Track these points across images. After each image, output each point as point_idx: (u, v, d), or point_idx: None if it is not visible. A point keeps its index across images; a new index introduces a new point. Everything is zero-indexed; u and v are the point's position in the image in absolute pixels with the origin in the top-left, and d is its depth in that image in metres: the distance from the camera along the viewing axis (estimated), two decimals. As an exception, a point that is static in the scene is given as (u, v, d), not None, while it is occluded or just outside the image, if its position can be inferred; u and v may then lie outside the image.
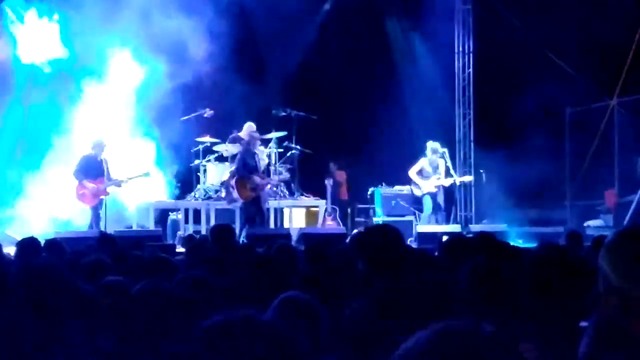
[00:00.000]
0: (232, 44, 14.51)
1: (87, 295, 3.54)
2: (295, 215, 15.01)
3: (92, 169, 12.85)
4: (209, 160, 14.71)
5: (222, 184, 14.31)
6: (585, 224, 14.97)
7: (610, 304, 1.94)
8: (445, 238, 6.25)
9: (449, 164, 14.26)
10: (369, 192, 15.90)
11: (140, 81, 14.68)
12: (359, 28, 16.84)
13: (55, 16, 14.64)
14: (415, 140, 15.23)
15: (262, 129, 14.34)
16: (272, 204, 14.02)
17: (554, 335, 2.73)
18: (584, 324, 2.78)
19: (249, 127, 14.30)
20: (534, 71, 15.69)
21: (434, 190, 14.09)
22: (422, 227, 13.41)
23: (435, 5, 16.97)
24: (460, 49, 17.70)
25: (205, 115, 14.59)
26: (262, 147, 14.16)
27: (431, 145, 14.14)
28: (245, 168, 12.75)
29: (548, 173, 15.18)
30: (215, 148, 14.68)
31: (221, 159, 14.80)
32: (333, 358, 2.97)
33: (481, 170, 16.02)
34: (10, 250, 7.71)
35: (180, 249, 10.79)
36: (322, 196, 15.39)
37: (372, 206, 15.84)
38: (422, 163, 14.15)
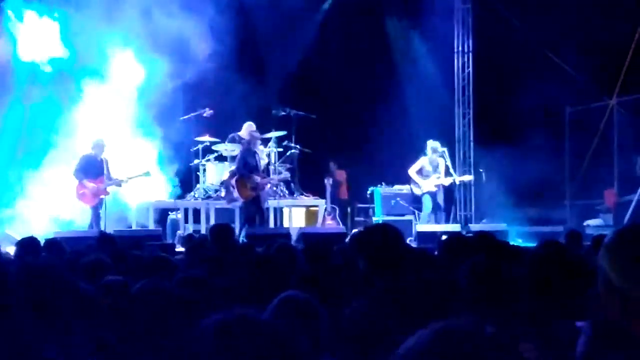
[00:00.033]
0: (231, 44, 14.50)
1: (86, 294, 3.54)
2: (295, 214, 15.00)
3: (92, 169, 12.85)
4: (208, 160, 14.70)
5: (222, 183, 14.30)
6: (584, 224, 14.97)
7: (610, 304, 1.94)
8: (444, 237, 6.25)
9: (449, 163, 14.25)
10: (368, 192, 15.90)
11: (140, 80, 14.69)
12: (358, 27, 16.84)
13: (56, 15, 14.63)
14: (415, 140, 15.23)
15: (262, 128, 14.33)
16: (271, 203, 14.01)
17: (553, 335, 2.73)
18: (579, 324, 2.78)
19: (249, 126, 14.30)
20: (534, 71, 15.69)
21: (434, 189, 14.08)
22: (422, 227, 13.41)
23: (434, 4, 16.97)
24: (460, 48, 17.71)
25: (204, 114, 14.58)
26: (261, 147, 14.15)
27: (431, 144, 14.13)
28: (246, 167, 12.75)
29: (548, 172, 15.19)
30: (214, 147, 14.67)
31: (221, 158, 14.79)
32: (333, 358, 2.97)
33: (481, 170, 16.02)
34: (10, 250, 7.71)
35: (179, 249, 10.79)
36: (322, 196, 15.39)
37: (372, 205, 15.84)
38: (422, 162, 14.14)
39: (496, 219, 14.96)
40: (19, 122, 14.34)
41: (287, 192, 14.86)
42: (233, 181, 12.96)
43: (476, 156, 17.24)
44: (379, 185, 15.46)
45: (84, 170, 12.86)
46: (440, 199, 14.23)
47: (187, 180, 15.04)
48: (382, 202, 15.19)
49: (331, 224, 14.61)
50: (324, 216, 14.91)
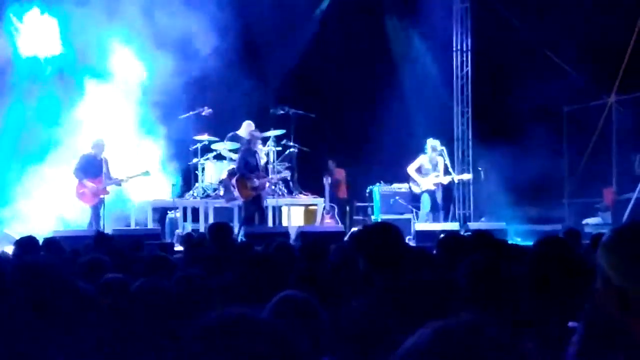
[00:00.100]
0: (230, 42, 14.50)
1: (85, 294, 3.54)
2: (294, 213, 15.00)
3: (92, 168, 12.86)
4: (207, 159, 14.70)
5: (221, 182, 14.31)
6: (583, 222, 14.98)
7: (609, 303, 1.94)
8: (442, 236, 6.25)
9: (447, 161, 14.26)
10: (367, 191, 15.91)
11: (140, 79, 14.69)
12: (357, 26, 16.83)
13: (57, 13, 14.63)
14: (414, 139, 15.23)
15: (260, 127, 14.32)
16: (270, 202, 14.01)
17: (553, 334, 2.73)
18: (572, 324, 2.78)
19: (248, 125, 14.30)
20: (532, 69, 15.69)
21: (433, 188, 14.08)
22: (420, 225, 13.41)
23: (433, 3, 16.98)
24: (459, 47, 17.72)
25: (203, 113, 14.58)
26: (260, 146, 14.15)
27: (431, 142, 14.13)
28: (246, 167, 12.77)
29: (546, 171, 15.19)
30: (213, 146, 14.68)
31: (219, 157, 14.79)
32: (332, 358, 2.97)
33: (479, 168, 16.04)
34: (9, 249, 7.71)
35: (178, 248, 10.80)
36: (321, 194, 15.40)
37: (371, 204, 15.84)
38: (421, 160, 14.13)
39: (495, 218, 14.98)
40: (20, 120, 14.32)
41: (285, 191, 14.86)
42: (233, 181, 12.97)
43: (475, 155, 17.25)
44: (377, 184, 15.47)
45: (83, 169, 12.87)
46: (439, 197, 14.23)
47: (186, 179, 15.05)
48: (381, 200, 15.18)
49: (330, 223, 14.61)
50: (322, 215, 14.91)
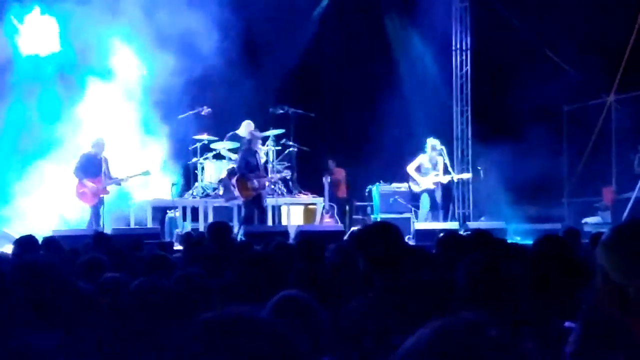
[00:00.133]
0: (229, 42, 14.50)
1: (85, 293, 3.54)
2: (293, 212, 15.00)
3: (92, 168, 12.86)
4: (206, 158, 14.70)
5: (220, 181, 14.31)
6: (583, 221, 14.98)
7: (609, 301, 1.94)
8: (440, 235, 6.25)
9: (447, 161, 14.26)
10: (366, 190, 15.91)
11: (140, 78, 14.70)
12: (357, 25, 16.83)
13: (58, 13, 14.64)
14: (413, 138, 15.23)
15: (260, 126, 14.33)
16: (270, 201, 14.01)
17: (553, 334, 2.73)
18: (568, 324, 2.78)
19: (248, 125, 14.30)
20: (532, 68, 15.69)
21: (432, 187, 14.08)
22: (420, 225, 13.42)
23: (432, 2, 16.97)
24: (458, 46, 17.71)
25: (202, 113, 14.58)
26: (260, 145, 14.15)
27: (431, 142, 14.13)
28: (247, 167, 12.79)
29: (546, 170, 15.19)
30: (212, 146, 14.68)
31: (219, 156, 14.79)
32: (332, 358, 2.97)
33: (479, 168, 16.03)
34: (8, 249, 7.71)
35: (178, 247, 10.80)
36: (320, 194, 15.40)
37: (370, 203, 15.85)
38: (421, 159, 14.13)
39: (494, 217, 14.98)
40: (20, 119, 14.33)
41: (285, 190, 14.86)
42: (234, 180, 12.98)
43: (474, 154, 17.25)
44: (377, 184, 15.47)
45: (83, 169, 12.87)
46: (439, 197, 14.23)
47: (186, 178, 15.06)
48: (381, 200, 15.18)
49: (329, 222, 14.61)
50: (322, 214, 14.92)
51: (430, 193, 14.07)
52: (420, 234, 12.54)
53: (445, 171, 14.18)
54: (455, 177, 14.73)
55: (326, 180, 15.84)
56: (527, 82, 14.87)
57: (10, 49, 14.56)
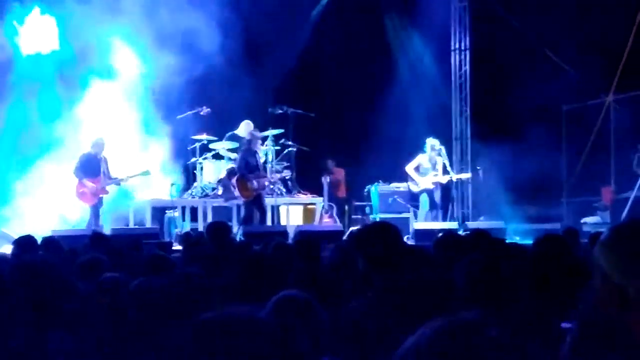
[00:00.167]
0: (228, 41, 14.49)
1: (84, 293, 3.54)
2: (293, 212, 15.01)
3: (92, 168, 12.87)
4: (205, 158, 14.71)
5: (219, 181, 14.31)
6: (582, 221, 14.98)
7: (609, 301, 1.93)
8: (439, 235, 6.26)
9: (446, 161, 14.25)
10: (365, 190, 15.91)
11: (140, 78, 14.70)
12: (356, 25, 16.84)
13: (58, 12, 14.64)
14: (412, 138, 15.23)
15: (259, 126, 14.33)
16: (269, 201, 14.01)
17: (553, 334, 2.73)
18: (564, 324, 2.78)
19: (247, 125, 14.31)
20: (531, 68, 15.69)
21: (431, 187, 14.08)
22: (419, 225, 13.42)
23: (432, 2, 16.98)
24: (457, 46, 17.71)
25: (201, 113, 14.58)
26: (259, 145, 14.16)
27: (431, 142, 14.12)
28: (247, 167, 12.80)
29: (545, 170, 15.19)
30: (211, 146, 14.68)
31: (218, 156, 14.80)
32: (332, 358, 2.97)
33: (478, 167, 16.03)
34: (8, 249, 7.71)
35: (177, 247, 10.81)
36: (320, 194, 15.40)
37: (369, 203, 15.85)
38: (420, 159, 14.13)
39: (494, 217, 14.98)
40: (21, 119, 14.33)
41: (284, 190, 14.86)
42: (234, 181, 12.98)
43: (473, 154, 17.25)
44: (376, 183, 15.47)
45: (83, 169, 12.88)
46: (438, 197, 14.23)
47: (185, 178, 15.07)
48: (380, 200, 15.19)
49: (328, 222, 14.61)
50: (321, 214, 14.91)
51: (429, 193, 14.07)
52: (419, 233, 12.54)
53: (445, 171, 14.18)
54: (455, 177, 14.73)
55: (325, 180, 15.84)
56: (526, 82, 14.88)
57: (10, 48, 14.57)
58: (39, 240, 7.15)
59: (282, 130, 15.00)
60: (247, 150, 13.03)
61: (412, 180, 14.19)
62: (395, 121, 16.16)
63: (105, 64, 14.68)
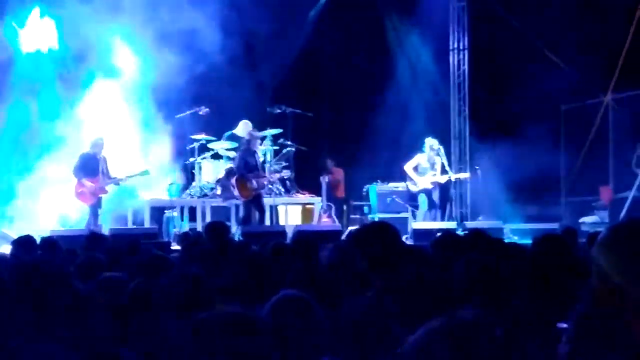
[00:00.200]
0: (226, 41, 14.48)
1: (83, 293, 3.53)
2: (291, 212, 15.01)
3: (91, 168, 12.87)
4: (204, 158, 14.70)
5: (218, 181, 14.30)
6: (580, 220, 14.98)
7: (608, 301, 1.93)
8: (438, 235, 6.27)
9: (445, 161, 14.25)
10: (364, 190, 15.91)
11: (139, 77, 14.70)
12: (355, 24, 16.83)
13: (58, 11, 14.64)
14: (411, 137, 15.23)
15: (257, 126, 14.34)
16: (267, 201, 14.02)
17: (552, 334, 2.73)
18: (560, 325, 2.78)
19: (245, 124, 14.31)
20: (529, 68, 15.69)
21: (430, 186, 14.08)
22: (418, 224, 13.42)
23: (431, 2, 16.98)
24: (455, 45, 17.70)
25: (200, 112, 14.57)
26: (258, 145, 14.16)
27: (429, 142, 14.11)
28: (246, 167, 12.79)
29: (543, 169, 15.19)
30: (210, 145, 14.68)
31: (216, 156, 14.79)
32: (332, 357, 2.97)
33: (477, 167, 16.03)
34: (7, 249, 7.70)
35: (175, 247, 10.79)
36: (318, 193, 15.39)
37: (367, 203, 15.85)
38: (419, 159, 14.12)
39: (492, 216, 14.98)
40: (22, 118, 14.32)
41: (283, 190, 14.86)
42: (233, 180, 12.98)
43: (472, 153, 17.24)
44: (374, 183, 15.47)
45: (82, 168, 12.88)
46: (436, 196, 14.22)
47: (184, 178, 15.08)
48: (378, 199, 15.20)
49: (327, 222, 14.61)
50: (319, 214, 14.91)
51: (428, 193, 14.07)
52: (418, 233, 12.54)
53: (443, 171, 14.18)
54: (453, 176, 14.72)
55: (324, 180, 15.84)
56: (525, 82, 14.88)
57: (10, 48, 14.57)
58: (38, 241, 7.14)
59: (280, 130, 15.00)
60: (246, 150, 13.03)
61: (411, 180, 14.19)
62: (394, 121, 16.16)
63: (105, 64, 14.67)
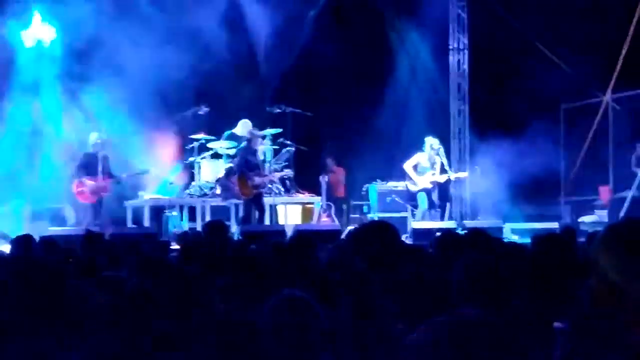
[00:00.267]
0: (226, 40, 14.49)
1: (82, 292, 3.53)
2: (291, 212, 15.00)
3: (92, 166, 12.87)
4: (203, 157, 14.70)
5: (217, 181, 14.30)
6: (579, 220, 14.99)
7: (608, 301, 1.93)
8: (438, 234, 6.27)
9: (444, 160, 14.24)
10: (363, 189, 15.90)
11: (138, 77, 14.70)
12: (355, 24, 16.82)
13: (60, 11, 14.65)
14: (411, 136, 15.23)
15: (257, 125, 14.33)
16: (267, 200, 14.02)
17: (551, 334, 2.73)
18: (557, 325, 2.77)
19: (245, 124, 14.30)
20: (529, 67, 15.69)
21: (429, 186, 14.06)
22: (417, 224, 13.42)
23: (430, 1, 16.97)
24: (455, 45, 17.70)
25: (200, 112, 14.58)
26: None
27: (430, 141, 14.08)
28: (247, 166, 12.80)
29: (543, 169, 15.18)
30: (210, 145, 14.67)
31: (216, 155, 14.79)
32: (332, 357, 2.97)
33: (476, 167, 16.03)
34: (6, 248, 7.70)
35: (174, 246, 10.79)
36: (318, 193, 15.39)
37: (367, 202, 15.85)
38: (419, 158, 14.09)
39: (492, 216, 14.97)
40: (23, 118, 14.32)
41: (282, 189, 14.86)
42: (234, 179, 12.99)
43: (472, 153, 17.24)
44: (374, 182, 15.46)
45: (83, 167, 12.88)
46: (436, 196, 14.21)
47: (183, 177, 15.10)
48: (378, 199, 15.19)
49: (327, 222, 14.60)
50: (319, 213, 14.91)
51: (428, 192, 14.06)
52: (418, 232, 12.54)
53: (443, 170, 14.17)
54: (453, 176, 14.71)
55: (323, 179, 15.83)
56: (525, 81, 14.88)
57: (11, 47, 14.57)
58: (37, 240, 7.14)
59: (280, 130, 15.00)
60: (247, 149, 13.03)
61: (411, 179, 14.17)
62: (394, 120, 16.17)
63: (106, 63, 14.66)
